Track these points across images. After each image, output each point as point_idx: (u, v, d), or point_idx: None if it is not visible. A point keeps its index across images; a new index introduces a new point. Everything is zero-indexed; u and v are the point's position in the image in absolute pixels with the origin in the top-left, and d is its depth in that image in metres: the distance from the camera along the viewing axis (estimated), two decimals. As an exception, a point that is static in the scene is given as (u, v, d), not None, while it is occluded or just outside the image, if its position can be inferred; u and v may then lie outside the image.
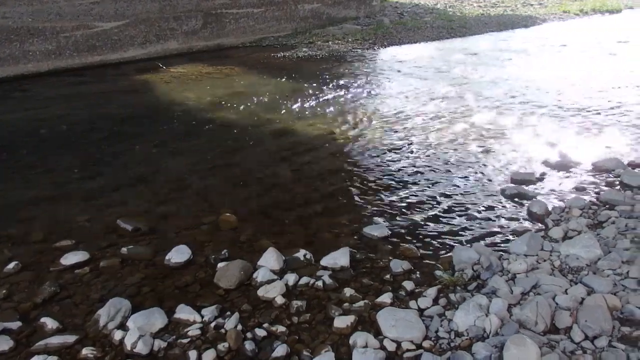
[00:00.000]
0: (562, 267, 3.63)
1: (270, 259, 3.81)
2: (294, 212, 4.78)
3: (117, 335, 3.10)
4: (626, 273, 3.44)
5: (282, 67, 11.32)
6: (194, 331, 3.12)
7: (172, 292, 3.56)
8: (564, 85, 9.04)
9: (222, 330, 3.13)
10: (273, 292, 3.46)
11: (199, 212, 4.77)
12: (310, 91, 9.09)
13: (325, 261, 3.85)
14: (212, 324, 3.18)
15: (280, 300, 3.40)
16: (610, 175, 5.28)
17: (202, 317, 3.24)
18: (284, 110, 8.03)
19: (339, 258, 3.83)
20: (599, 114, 7.34)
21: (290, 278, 3.62)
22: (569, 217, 4.39)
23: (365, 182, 5.43)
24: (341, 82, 9.79)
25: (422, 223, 4.50)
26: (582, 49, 12.83)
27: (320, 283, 3.59)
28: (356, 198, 5.06)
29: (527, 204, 4.72)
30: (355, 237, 4.27)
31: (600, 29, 16.69)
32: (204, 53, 13.29)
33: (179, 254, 3.94)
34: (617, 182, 5.09)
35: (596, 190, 4.97)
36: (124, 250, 4.08)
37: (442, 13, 19.42)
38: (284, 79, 10.11)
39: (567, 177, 5.33)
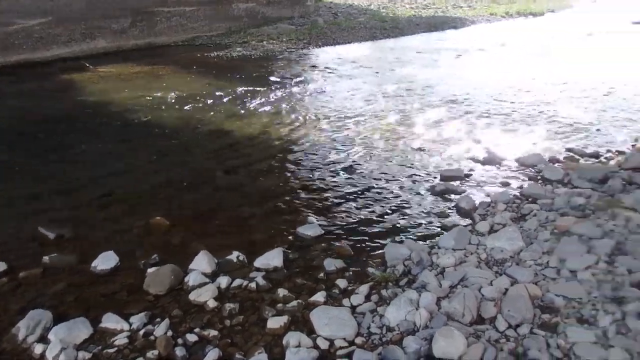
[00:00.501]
0: (488, 259, 3.77)
1: (202, 262, 3.75)
2: (227, 213, 4.72)
3: (38, 349, 2.96)
4: (546, 263, 3.61)
5: (216, 67, 11.17)
6: (121, 340, 3.02)
7: (98, 300, 3.43)
8: (495, 85, 9.40)
9: (152, 338, 3.04)
10: (205, 295, 3.40)
11: (129, 217, 4.63)
12: (245, 91, 9.01)
13: (258, 262, 3.82)
14: (141, 332, 3.09)
15: (212, 303, 3.35)
16: (533, 170, 5.53)
17: (130, 325, 3.14)
18: (218, 111, 7.92)
19: (273, 259, 3.82)
20: (524, 111, 7.68)
21: (223, 281, 3.57)
22: (495, 212, 4.56)
23: (299, 182, 5.44)
24: (276, 82, 9.77)
25: (356, 221, 4.55)
26: (510, 49, 13.38)
27: (253, 284, 3.56)
28: (291, 198, 5.06)
29: (455, 200, 4.87)
30: (290, 237, 4.27)
31: (525, 29, 17.47)
32: (134, 52, 12.91)
33: (105, 261, 3.80)
34: (539, 177, 5.34)
35: (520, 185, 5.20)
36: (45, 259, 3.89)
37: (375, 14, 19.75)
38: (217, 79, 9.97)
39: (493, 173, 5.55)
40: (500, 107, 7.96)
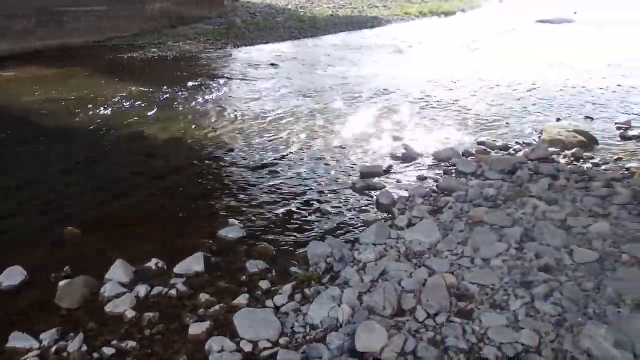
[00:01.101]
0: (408, 252, 3.87)
1: (118, 272, 3.60)
2: (146, 220, 4.57)
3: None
4: (462, 253, 3.76)
5: (130, 69, 10.79)
6: (31, 359, 2.84)
7: (3, 319, 3.21)
8: (411, 82, 9.67)
9: (65, 354, 2.89)
10: (122, 306, 3.27)
11: (39, 228, 4.37)
12: (161, 94, 8.76)
13: (179, 268, 3.72)
14: (53, 349, 2.92)
15: (130, 314, 3.22)
16: (448, 164, 5.75)
17: (41, 342, 2.97)
18: (134, 115, 7.65)
19: (193, 264, 3.74)
20: (440, 107, 7.97)
21: (142, 289, 3.45)
22: (413, 206, 4.70)
23: (220, 184, 5.36)
24: (193, 83, 9.56)
25: (279, 221, 4.54)
26: (427, 48, 13.82)
27: (174, 291, 3.47)
28: (211, 201, 4.97)
29: (375, 196, 4.97)
30: (211, 241, 4.19)
31: (439, 29, 18.10)
32: (44, 54, 12.19)
33: (11, 277, 3.56)
34: (454, 171, 5.55)
35: (436, 179, 5.38)
36: (-58, 277, 3.60)
37: (293, 14, 19.80)
38: (131, 82, 9.61)
39: (411, 168, 5.72)
40: (418, 103, 8.21)
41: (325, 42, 15.04)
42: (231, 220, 4.49)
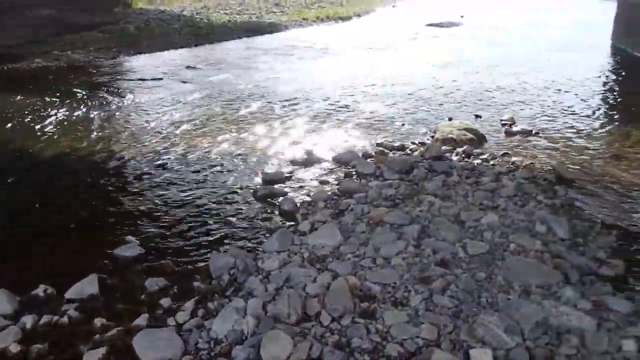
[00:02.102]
0: (311, 257, 3.88)
1: None
2: (31, 243, 4.25)
3: None
4: (363, 254, 3.83)
5: (11, 80, 10.04)
6: None
7: None
8: (313, 86, 9.73)
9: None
10: (5, 340, 3.01)
11: None
12: (48, 106, 8.22)
13: (70, 293, 3.49)
14: None
15: (15, 348, 2.97)
16: (348, 166, 5.85)
17: None
18: (15, 130, 7.11)
19: (87, 287, 3.52)
20: (340, 110, 8.09)
21: (28, 320, 3.20)
22: (315, 210, 4.73)
23: (114, 200, 5.11)
24: (82, 94, 9.06)
25: (178, 235, 4.40)
26: (325, 51, 14.01)
27: (65, 319, 3.24)
28: (105, 219, 4.72)
29: (278, 202, 4.95)
30: (106, 261, 3.97)
31: (337, 33, 18.45)
32: None
33: None
34: (354, 173, 5.66)
35: (337, 181, 5.45)
36: None
37: (189, 20, 19.38)
38: (13, 94, 8.95)
39: (313, 172, 5.76)
40: (319, 107, 8.29)
41: (223, 48, 14.84)
42: (127, 237, 4.28)
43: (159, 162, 6.06)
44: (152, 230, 4.47)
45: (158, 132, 7.14)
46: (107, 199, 5.13)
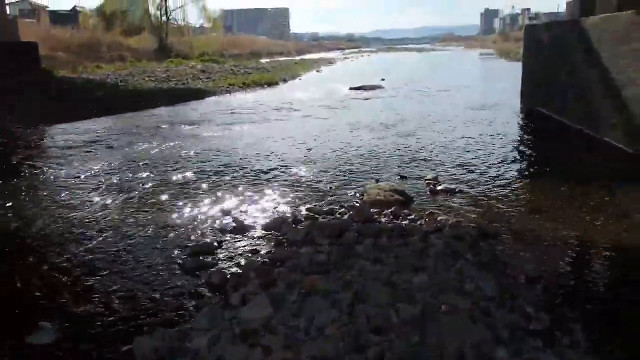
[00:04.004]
0: (243, 332, 3.72)
1: None
2: None
3: None
4: (296, 325, 3.71)
5: None
6: None
7: None
8: (240, 153, 9.73)
9: None
10: None
11: None
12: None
13: (-25, 393, 3.15)
14: None
15: None
16: (279, 234, 5.78)
17: None
18: None
19: (-6, 384, 3.19)
20: (268, 175, 8.09)
21: None
22: (246, 282, 4.59)
23: (28, 278, 4.75)
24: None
25: (99, 316, 4.11)
26: (251, 117, 14.16)
27: None
28: (14, 300, 4.37)
29: (206, 276, 4.77)
30: (18, 351, 3.63)
31: (262, 99, 18.75)
32: None
33: None
34: (285, 240, 5.59)
35: (268, 250, 5.36)
36: None
37: (114, 87, 19.16)
38: None
39: (243, 241, 5.63)
40: (247, 173, 8.27)
41: (148, 116, 14.70)
42: (42, 323, 3.95)
43: (80, 237, 5.75)
44: (71, 312, 4.16)
45: (77, 205, 6.83)
46: (21, 278, 4.76)
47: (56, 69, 21.65)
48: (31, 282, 4.75)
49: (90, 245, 5.53)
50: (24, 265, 5.14)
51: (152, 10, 47.41)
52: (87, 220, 6.28)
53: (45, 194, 7.38)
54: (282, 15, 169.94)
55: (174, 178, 8.10)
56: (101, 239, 5.71)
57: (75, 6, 56.07)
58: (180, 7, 48.32)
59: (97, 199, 7.11)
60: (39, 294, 4.52)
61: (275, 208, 6.65)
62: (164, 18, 46.65)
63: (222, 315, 3.97)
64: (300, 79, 29.26)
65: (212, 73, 26.98)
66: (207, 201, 6.95)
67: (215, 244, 5.52)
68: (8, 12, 36.41)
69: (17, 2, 45.06)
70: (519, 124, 13.09)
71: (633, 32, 8.94)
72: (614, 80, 9.57)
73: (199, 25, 56.93)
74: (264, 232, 5.87)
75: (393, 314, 3.79)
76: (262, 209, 6.62)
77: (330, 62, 51.25)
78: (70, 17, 48.65)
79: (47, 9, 50.84)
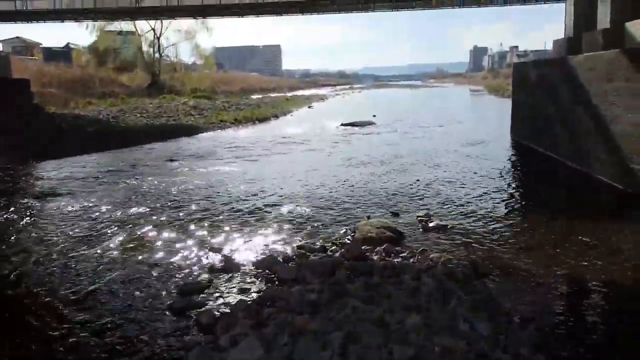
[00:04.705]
0: (232, 376, 3.63)
1: None
2: None
3: None
4: (286, 368, 3.63)
5: None
6: None
7: None
8: (231, 190, 9.70)
9: None
10: None
11: None
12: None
13: None
14: None
15: None
16: (270, 272, 5.69)
17: None
18: None
19: None
20: (260, 212, 8.04)
21: None
22: (235, 322, 4.49)
23: (18, 316, 4.64)
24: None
25: (86, 356, 4.00)
26: (242, 153, 14.17)
27: None
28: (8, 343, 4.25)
29: (195, 315, 4.68)
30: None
31: (254, 135, 18.83)
32: None
33: None
34: (275, 278, 5.51)
35: (258, 289, 5.27)
36: None
37: (106, 124, 19.18)
38: None
39: (233, 280, 5.54)
40: (238, 210, 8.22)
41: (139, 152, 14.68)
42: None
43: (67, 274, 5.65)
44: (57, 350, 4.05)
45: (64, 242, 6.73)
46: (11, 318, 4.65)
47: (48, 105, 21.70)
48: (17, 320, 4.64)
49: (77, 282, 5.42)
50: (7, 305, 5.02)
51: (145, 47, 47.87)
52: (75, 258, 6.17)
53: (31, 230, 7.27)
54: (273, 52, 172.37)
55: (163, 215, 8.03)
56: (90, 276, 5.61)
57: (68, 43, 56.67)
58: (172, 45, 48.82)
59: (85, 235, 7.01)
60: (23, 333, 4.40)
61: (266, 245, 6.58)
62: (157, 55, 47.07)
63: (212, 356, 3.87)
64: (291, 115, 29.49)
65: (204, 109, 27.12)
66: (197, 238, 6.87)
67: (205, 282, 5.43)
68: (1, 49, 36.77)
69: (10, 39, 45.51)
70: (509, 159, 13.21)
71: (617, 70, 9.14)
72: (601, 117, 9.72)
73: (192, 62, 57.52)
74: (254, 270, 5.78)
75: (386, 355, 3.71)
76: (253, 246, 6.55)
77: (321, 98, 51.80)
78: (63, 54, 49.08)
79: (41, 46, 51.31)
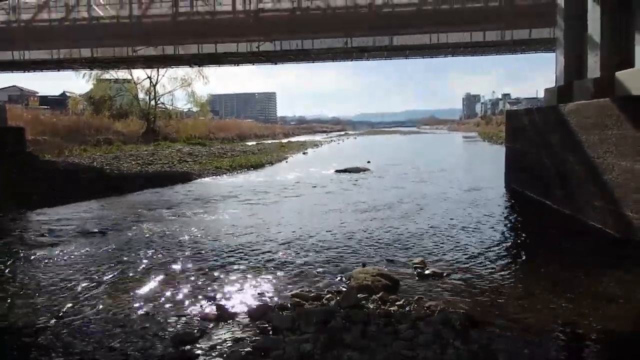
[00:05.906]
0: None
1: None
2: None
3: None
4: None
5: None
6: None
7: None
8: (224, 238, 9.64)
9: None
10: None
11: None
12: None
13: None
14: None
15: None
16: (264, 320, 5.59)
17: None
18: None
19: None
20: (254, 260, 7.96)
21: None
22: (229, 374, 4.40)
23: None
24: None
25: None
26: (237, 201, 14.16)
27: None
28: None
29: (188, 368, 4.57)
30: None
31: (248, 183, 18.86)
32: None
33: None
34: (270, 327, 5.40)
35: (252, 339, 5.16)
36: None
37: (98, 171, 19.19)
38: None
39: (225, 329, 5.43)
40: (231, 257, 8.14)
41: (133, 199, 14.64)
42: None
43: (59, 323, 5.52)
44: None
45: (56, 292, 6.61)
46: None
47: (42, 153, 21.76)
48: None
49: (69, 333, 5.30)
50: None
51: (141, 94, 48.53)
52: (68, 307, 6.05)
53: (25, 278, 7.16)
54: (269, 99, 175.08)
55: (156, 264, 7.94)
56: (82, 326, 5.49)
57: (64, 91, 57.43)
58: (168, 92, 49.52)
59: (76, 285, 6.90)
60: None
61: (260, 294, 6.49)
62: (152, 102, 47.64)
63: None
64: (286, 161, 29.64)
65: (199, 156, 27.28)
66: (190, 287, 6.77)
67: (198, 332, 5.32)
68: (-2, 98, 37.18)
69: (6, 87, 46.12)
70: (503, 206, 13.25)
71: (607, 118, 9.29)
72: (594, 165, 9.82)
73: (187, 109, 58.24)
74: (248, 319, 5.68)
75: (383, 408, 3.61)
76: (247, 294, 6.46)
77: (316, 144, 52.27)
78: (59, 102, 49.67)
79: (37, 94, 51.99)
